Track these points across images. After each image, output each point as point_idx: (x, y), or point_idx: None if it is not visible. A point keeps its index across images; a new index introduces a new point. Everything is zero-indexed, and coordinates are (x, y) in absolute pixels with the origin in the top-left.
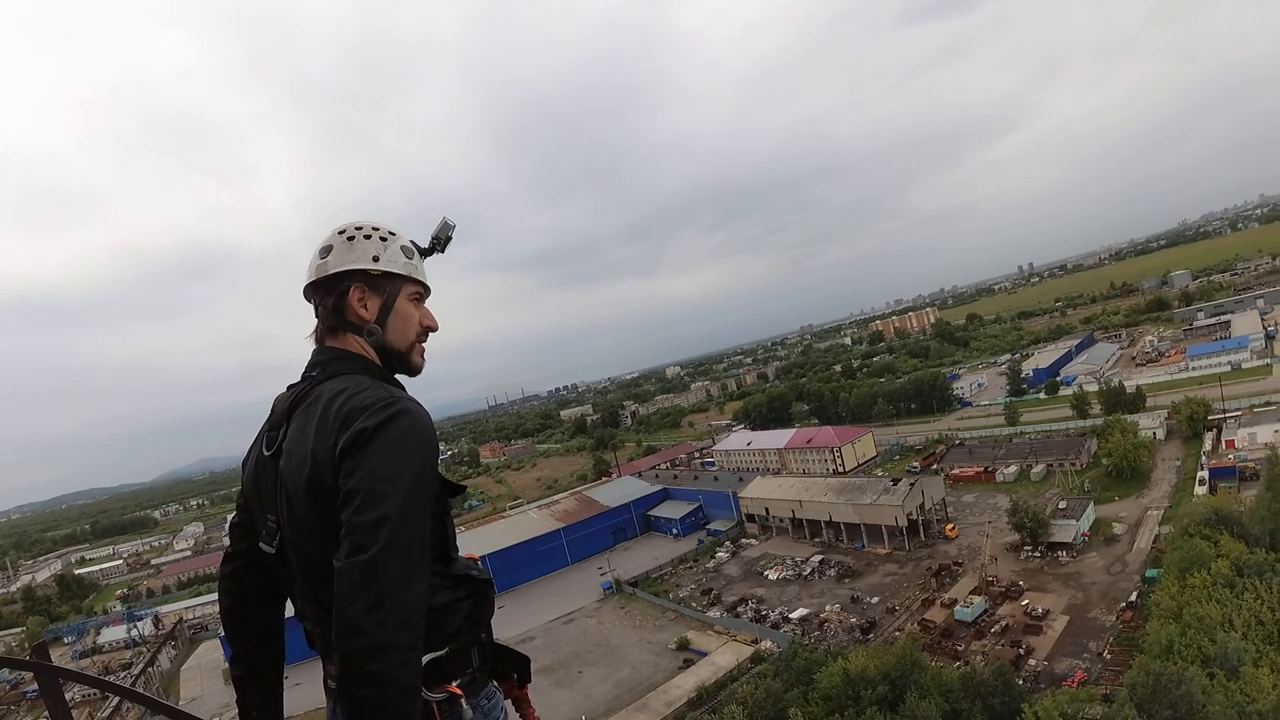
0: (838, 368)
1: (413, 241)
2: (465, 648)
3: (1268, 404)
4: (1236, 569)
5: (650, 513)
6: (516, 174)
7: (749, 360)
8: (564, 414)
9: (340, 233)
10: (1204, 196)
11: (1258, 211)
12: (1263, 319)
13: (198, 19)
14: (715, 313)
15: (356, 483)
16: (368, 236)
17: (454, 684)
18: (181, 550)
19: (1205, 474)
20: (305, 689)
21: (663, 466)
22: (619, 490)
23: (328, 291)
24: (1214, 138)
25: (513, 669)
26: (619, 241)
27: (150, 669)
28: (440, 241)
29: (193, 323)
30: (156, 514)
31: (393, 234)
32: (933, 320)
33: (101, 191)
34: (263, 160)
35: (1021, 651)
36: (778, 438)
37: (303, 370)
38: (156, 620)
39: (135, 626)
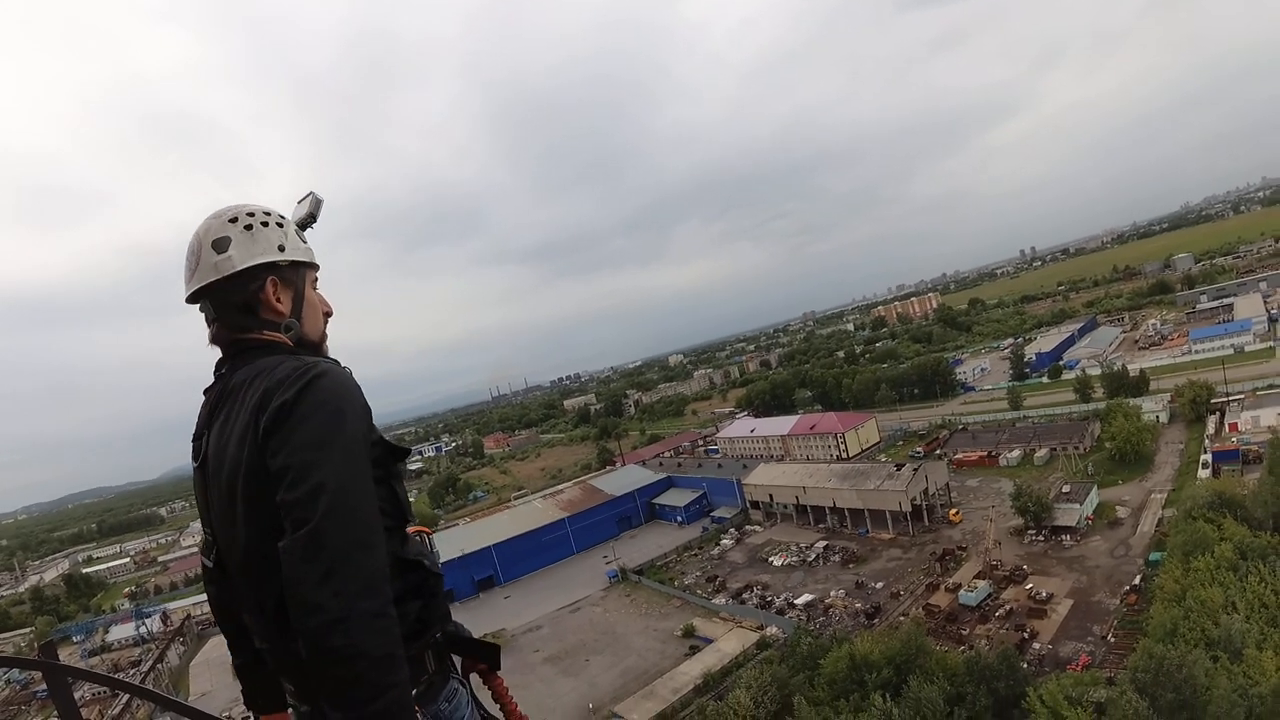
0: (840, 354)
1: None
2: (418, 656)
3: (1271, 387)
4: (1240, 552)
5: (654, 501)
6: (518, 168)
7: (752, 347)
8: (567, 404)
9: (232, 221)
10: (1206, 179)
11: (1260, 194)
12: (1265, 302)
13: (195, 16)
14: (717, 301)
15: (285, 459)
16: (265, 224)
17: None
18: (189, 547)
19: (1208, 457)
20: None
21: (666, 455)
22: (623, 479)
23: (233, 290)
24: (1215, 121)
25: (481, 658)
26: (620, 232)
27: (159, 665)
28: (313, 219)
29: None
30: (163, 511)
31: (284, 216)
32: (935, 305)
33: (104, 190)
34: (263, 158)
35: (1026, 635)
36: (781, 424)
37: (212, 372)
38: (165, 617)
39: (143, 623)
